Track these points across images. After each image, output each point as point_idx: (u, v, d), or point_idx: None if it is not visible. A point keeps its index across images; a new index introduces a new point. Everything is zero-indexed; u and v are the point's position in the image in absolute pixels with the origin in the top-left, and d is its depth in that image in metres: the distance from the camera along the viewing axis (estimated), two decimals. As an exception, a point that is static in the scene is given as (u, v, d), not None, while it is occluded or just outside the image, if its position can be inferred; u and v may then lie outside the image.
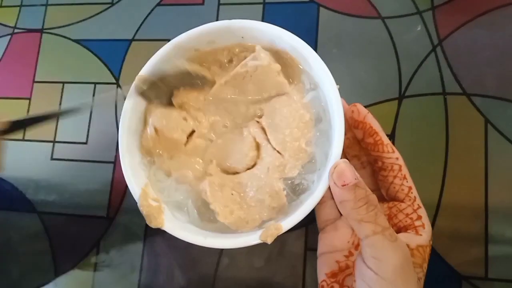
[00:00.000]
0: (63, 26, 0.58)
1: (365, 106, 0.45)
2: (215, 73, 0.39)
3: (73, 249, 0.50)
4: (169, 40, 0.37)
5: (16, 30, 0.59)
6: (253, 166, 0.36)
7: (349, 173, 0.28)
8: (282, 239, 0.44)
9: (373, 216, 0.28)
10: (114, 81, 0.54)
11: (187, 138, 0.37)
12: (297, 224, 0.31)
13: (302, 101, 0.36)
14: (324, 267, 0.35)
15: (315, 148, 0.35)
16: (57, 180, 0.53)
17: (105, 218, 0.50)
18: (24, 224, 0.52)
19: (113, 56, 0.55)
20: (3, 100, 0.57)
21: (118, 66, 0.54)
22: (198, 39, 0.37)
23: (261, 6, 0.52)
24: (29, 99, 0.56)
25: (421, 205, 0.34)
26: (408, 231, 0.33)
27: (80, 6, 0.58)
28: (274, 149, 0.35)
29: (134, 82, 0.36)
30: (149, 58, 0.37)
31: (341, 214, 0.37)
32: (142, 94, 0.36)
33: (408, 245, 0.31)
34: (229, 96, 0.38)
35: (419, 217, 0.33)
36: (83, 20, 0.58)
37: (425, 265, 0.32)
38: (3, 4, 0.61)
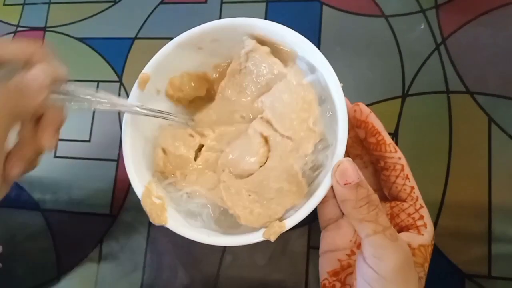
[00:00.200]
0: (66, 24, 0.58)
1: (368, 105, 0.46)
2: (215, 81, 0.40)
3: (76, 246, 0.50)
4: (172, 38, 0.37)
5: (19, 28, 0.59)
6: (265, 162, 0.36)
7: (352, 172, 0.28)
8: (285, 237, 0.45)
9: (374, 215, 0.28)
10: (117, 79, 0.54)
11: (197, 153, 0.38)
12: (300, 222, 0.31)
13: (302, 82, 0.36)
14: (326, 266, 0.35)
15: (323, 126, 0.34)
16: (61, 178, 0.53)
17: (108, 215, 0.50)
18: (28, 222, 0.52)
19: (116, 54, 0.55)
20: (6, 98, 0.57)
21: (121, 64, 0.54)
22: (201, 37, 0.37)
23: (264, 4, 0.52)
24: (32, 97, 0.56)
25: (423, 204, 0.34)
26: (410, 230, 0.33)
27: (83, 4, 0.58)
28: (283, 136, 0.35)
29: (137, 80, 0.36)
30: (152, 56, 0.37)
31: (343, 213, 0.37)
32: None
33: (409, 245, 0.31)
34: (233, 99, 0.38)
35: (421, 217, 0.33)
36: (86, 18, 0.58)
37: (427, 265, 0.32)
38: (6, 3, 0.61)
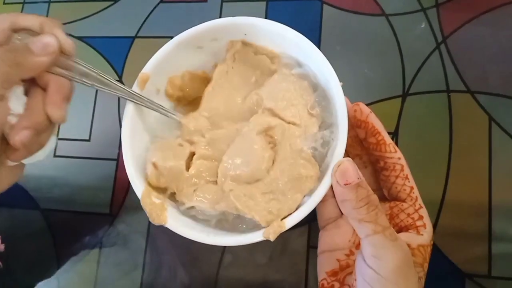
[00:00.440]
0: (66, 23, 0.58)
1: (369, 104, 0.46)
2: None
3: (75, 246, 0.50)
4: (172, 37, 0.37)
5: (19, 27, 0.59)
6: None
7: (352, 172, 0.28)
8: (285, 236, 0.44)
9: (374, 216, 0.28)
10: (117, 78, 0.54)
11: (188, 162, 0.36)
12: (300, 222, 0.31)
13: (294, 73, 0.37)
14: (324, 265, 0.35)
15: (321, 110, 0.35)
16: (60, 177, 0.53)
17: (108, 215, 0.50)
18: (28, 221, 0.52)
19: (116, 53, 0.55)
20: (6, 97, 0.57)
21: (121, 63, 0.54)
22: (201, 36, 0.37)
23: (264, 3, 0.52)
24: (32, 96, 0.56)
25: (422, 205, 0.34)
26: (410, 230, 0.33)
27: (83, 3, 0.58)
28: (289, 122, 0.35)
29: (136, 79, 0.36)
30: (152, 55, 0.37)
31: (342, 213, 0.36)
32: None
33: (409, 245, 0.31)
34: (222, 101, 0.38)
35: (421, 217, 0.33)
36: (86, 17, 0.58)
37: (426, 265, 0.32)
38: (6, 1, 0.61)
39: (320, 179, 0.33)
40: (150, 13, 0.55)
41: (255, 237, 0.32)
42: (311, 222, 0.45)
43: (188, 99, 0.40)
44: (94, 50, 0.56)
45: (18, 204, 0.53)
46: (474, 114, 0.44)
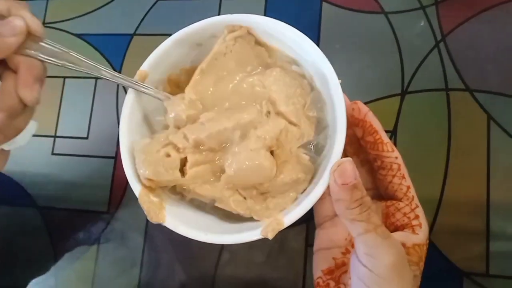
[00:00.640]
0: (65, 21, 0.58)
1: (368, 102, 0.46)
2: None
3: (73, 244, 0.50)
4: (170, 35, 0.37)
5: (17, 24, 0.59)
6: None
7: (351, 173, 0.28)
8: (283, 235, 0.44)
9: (366, 215, 0.28)
10: (116, 75, 0.54)
11: (182, 167, 0.35)
12: (297, 220, 0.31)
13: (293, 69, 0.36)
14: (320, 264, 0.35)
15: (317, 111, 0.35)
16: (58, 175, 0.53)
17: (106, 213, 0.50)
18: (25, 219, 0.52)
19: (115, 50, 0.55)
20: (4, 95, 0.57)
21: (120, 61, 0.54)
22: (200, 33, 0.37)
23: (263, 0, 0.52)
24: (30, 93, 0.56)
25: (418, 204, 0.34)
26: (405, 230, 0.33)
27: (82, 0, 0.58)
28: (290, 123, 0.35)
29: (135, 77, 0.36)
30: (150, 53, 0.37)
31: None
32: None
33: (404, 244, 0.31)
34: (213, 85, 0.37)
35: (417, 217, 0.33)
36: (85, 14, 0.57)
37: (422, 263, 0.32)
38: (4, -2, 0.61)
39: (315, 176, 0.33)
40: (149, 10, 0.55)
41: (253, 235, 0.32)
42: (309, 221, 0.45)
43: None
44: (93, 48, 0.56)
45: (16, 202, 0.53)
46: (473, 113, 0.44)
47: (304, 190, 0.35)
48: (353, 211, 0.28)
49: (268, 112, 0.35)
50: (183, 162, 0.34)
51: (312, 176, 0.35)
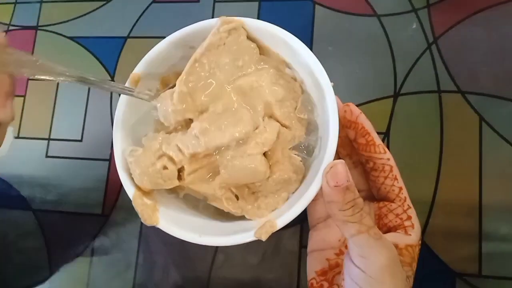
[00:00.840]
0: (58, 23, 0.58)
1: (360, 104, 0.46)
2: None
3: (68, 246, 0.50)
4: (164, 37, 0.37)
5: (11, 27, 0.59)
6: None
7: (343, 175, 0.28)
8: (277, 237, 0.45)
9: (359, 217, 0.28)
10: (109, 78, 0.54)
11: (179, 173, 0.35)
12: (292, 222, 0.31)
13: (286, 71, 0.36)
14: (314, 265, 0.35)
15: (308, 113, 0.36)
16: (52, 178, 0.53)
17: (100, 215, 0.50)
18: (19, 222, 0.52)
19: (108, 53, 0.55)
20: (-2, 97, 0.57)
21: (113, 63, 0.54)
22: (193, 36, 0.37)
23: (257, 3, 0.52)
24: (24, 96, 0.56)
25: (411, 205, 0.34)
26: (398, 231, 0.33)
27: (75, 3, 0.58)
28: (283, 125, 0.35)
29: (128, 80, 0.36)
30: (144, 55, 0.37)
31: None
32: None
33: (397, 245, 0.31)
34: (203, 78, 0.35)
35: (409, 217, 0.33)
36: (78, 17, 0.57)
37: (415, 264, 0.32)
38: (-3, 1, 0.61)
39: (306, 179, 0.33)
40: (143, 13, 0.55)
41: (246, 237, 0.32)
42: (303, 223, 0.45)
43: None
44: (86, 50, 0.56)
45: (10, 205, 0.53)
46: (465, 114, 0.45)
47: (296, 190, 0.35)
48: (345, 212, 0.28)
49: (266, 116, 0.35)
50: (181, 168, 0.35)
51: (303, 176, 0.35)
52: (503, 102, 0.44)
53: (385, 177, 0.34)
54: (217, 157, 0.34)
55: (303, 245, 0.45)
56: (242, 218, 0.35)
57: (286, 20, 0.50)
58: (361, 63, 0.48)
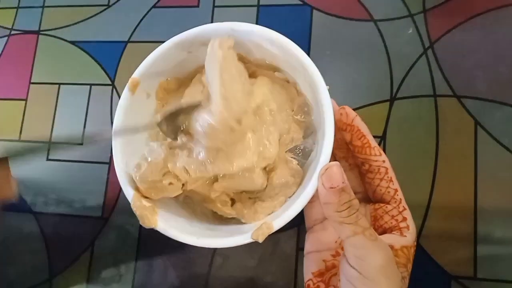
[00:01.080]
0: (60, 28, 0.58)
1: (357, 108, 0.47)
2: None
3: (68, 248, 0.51)
4: (163, 42, 0.37)
5: (13, 32, 0.60)
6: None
7: (338, 176, 0.29)
8: (274, 239, 0.45)
9: (354, 218, 0.29)
10: (110, 82, 0.54)
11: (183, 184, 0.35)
12: (289, 225, 0.32)
13: (280, 76, 0.37)
14: (311, 266, 0.35)
15: (304, 115, 0.36)
16: (53, 181, 0.53)
17: (100, 218, 0.51)
18: (20, 224, 0.52)
19: (109, 57, 0.55)
20: (-1, 101, 0.57)
21: (114, 68, 0.55)
22: (191, 41, 0.37)
23: (255, 8, 0.53)
24: (25, 100, 0.56)
25: (406, 207, 0.34)
26: (393, 232, 0.33)
27: (77, 8, 0.59)
28: (282, 129, 0.36)
29: (127, 84, 0.36)
30: (144, 60, 0.37)
31: None
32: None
33: (392, 246, 0.31)
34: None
35: (404, 219, 0.33)
36: (80, 21, 0.58)
37: (410, 265, 0.32)
38: (0, 6, 0.61)
39: (303, 182, 0.34)
40: (143, 18, 0.56)
41: (243, 239, 0.32)
42: (300, 225, 0.45)
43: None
44: (87, 55, 0.56)
45: (10, 208, 0.53)
46: (461, 118, 0.45)
47: (293, 193, 0.35)
48: (341, 214, 0.29)
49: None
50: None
51: (301, 179, 0.35)
52: (498, 106, 0.45)
53: (381, 179, 0.35)
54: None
55: (300, 247, 0.45)
56: (239, 221, 0.36)
57: (284, 25, 0.51)
58: (358, 67, 0.49)
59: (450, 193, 0.44)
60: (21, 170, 0.54)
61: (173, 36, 0.37)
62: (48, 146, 0.32)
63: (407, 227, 0.33)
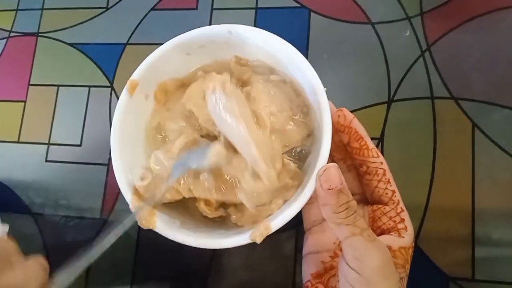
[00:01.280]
0: (59, 30, 0.59)
1: (355, 110, 0.47)
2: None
3: (66, 250, 0.51)
4: (162, 44, 0.38)
5: (12, 34, 0.60)
6: None
7: (336, 178, 0.29)
8: (273, 241, 0.45)
9: (353, 219, 0.29)
10: (109, 84, 0.54)
11: None
12: (287, 226, 0.32)
13: (271, 78, 0.37)
14: (309, 268, 0.35)
15: (303, 115, 0.36)
16: (52, 182, 0.53)
17: (98, 219, 0.51)
18: (19, 226, 0.52)
19: (108, 59, 0.56)
20: (-2, 103, 0.57)
21: (113, 70, 0.55)
22: (189, 43, 0.38)
23: (253, 11, 0.53)
24: (24, 101, 0.56)
25: (404, 208, 0.34)
26: (391, 233, 0.33)
27: (76, 10, 0.59)
28: (283, 131, 0.36)
29: (125, 85, 0.37)
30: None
31: None
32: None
33: (390, 247, 0.32)
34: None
35: (402, 220, 0.34)
36: (78, 24, 0.58)
37: (408, 266, 0.32)
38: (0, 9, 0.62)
39: (302, 183, 0.34)
40: (142, 20, 0.56)
41: (242, 239, 0.32)
42: (298, 227, 0.45)
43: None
44: (86, 57, 0.56)
45: (9, 209, 0.53)
46: (458, 120, 0.45)
47: (292, 196, 0.35)
48: (339, 215, 0.29)
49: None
50: None
51: (299, 182, 0.35)
52: (495, 108, 0.45)
53: (379, 181, 0.35)
54: None
55: (298, 248, 0.45)
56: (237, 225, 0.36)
57: (282, 28, 0.51)
58: (355, 69, 0.49)
59: (448, 195, 0.44)
60: (20, 171, 0.54)
61: (171, 38, 0.37)
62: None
63: (405, 228, 0.33)
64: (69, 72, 0.56)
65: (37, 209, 0.53)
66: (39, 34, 0.59)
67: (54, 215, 0.52)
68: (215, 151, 0.33)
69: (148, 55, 0.37)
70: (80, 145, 0.53)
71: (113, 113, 0.37)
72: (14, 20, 0.60)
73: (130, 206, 0.35)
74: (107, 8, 0.58)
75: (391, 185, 0.35)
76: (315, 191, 0.31)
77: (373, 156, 0.35)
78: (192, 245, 0.33)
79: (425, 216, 0.44)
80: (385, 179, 0.35)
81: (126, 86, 0.37)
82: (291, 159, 0.36)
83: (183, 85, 0.40)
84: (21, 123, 0.56)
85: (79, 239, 0.51)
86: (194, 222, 0.37)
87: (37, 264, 0.32)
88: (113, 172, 0.36)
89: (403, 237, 0.33)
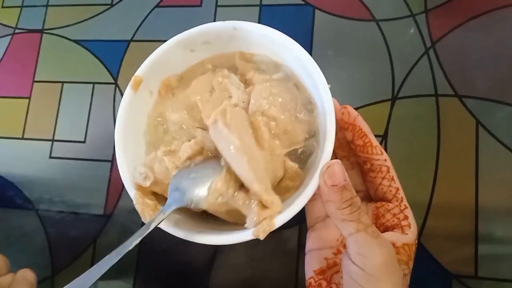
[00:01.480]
0: (63, 27, 0.59)
1: (359, 107, 0.47)
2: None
3: (70, 246, 0.51)
4: (166, 41, 0.38)
5: (17, 31, 0.60)
6: None
7: (340, 174, 0.29)
8: (276, 237, 0.45)
9: (357, 215, 0.29)
10: (113, 81, 0.55)
11: None
12: (290, 222, 0.32)
13: (273, 77, 0.37)
14: (312, 264, 0.35)
15: (308, 113, 0.36)
16: (56, 178, 0.53)
17: (102, 216, 0.51)
18: (22, 222, 0.53)
19: (112, 56, 0.56)
20: (3, 99, 0.58)
21: (117, 66, 0.55)
22: (193, 39, 0.38)
23: (257, 8, 0.53)
24: (29, 98, 0.57)
25: (407, 205, 0.34)
26: (395, 230, 0.33)
27: (80, 7, 0.59)
28: (285, 131, 0.36)
29: (130, 82, 0.37)
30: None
31: None
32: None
33: (394, 243, 0.32)
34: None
35: (406, 217, 0.34)
36: (83, 21, 0.58)
37: (411, 263, 0.32)
38: (4, 5, 0.62)
39: (304, 180, 0.34)
40: (146, 17, 0.56)
41: (245, 236, 0.32)
42: (301, 223, 0.45)
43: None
44: (91, 53, 0.57)
45: (14, 205, 0.53)
46: (462, 118, 0.45)
47: (290, 197, 0.35)
48: (343, 211, 0.29)
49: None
50: None
51: (300, 182, 0.35)
52: (499, 106, 0.45)
53: (382, 178, 0.35)
54: None
55: (301, 245, 0.45)
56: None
57: (286, 25, 0.50)
58: (359, 67, 0.49)
59: (451, 192, 0.44)
60: (24, 168, 0.54)
61: (175, 35, 0.38)
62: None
63: (409, 225, 0.33)
64: (74, 68, 0.57)
65: (41, 205, 0.53)
66: (44, 31, 0.59)
67: (58, 211, 0.52)
68: (215, 188, 0.32)
69: (152, 52, 0.38)
70: (84, 142, 0.53)
71: (117, 110, 0.37)
72: (19, 16, 0.61)
73: (134, 202, 0.35)
74: (111, 5, 0.58)
75: (395, 182, 0.35)
76: (318, 188, 0.31)
77: (377, 154, 0.35)
78: (196, 241, 0.33)
79: (429, 214, 0.44)
80: (389, 176, 0.35)
81: (130, 83, 0.37)
82: (294, 159, 0.35)
83: (187, 81, 0.40)
84: (26, 120, 0.56)
85: (83, 235, 0.51)
86: (198, 218, 0.37)
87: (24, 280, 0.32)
88: (117, 168, 0.36)
89: (407, 234, 0.33)
